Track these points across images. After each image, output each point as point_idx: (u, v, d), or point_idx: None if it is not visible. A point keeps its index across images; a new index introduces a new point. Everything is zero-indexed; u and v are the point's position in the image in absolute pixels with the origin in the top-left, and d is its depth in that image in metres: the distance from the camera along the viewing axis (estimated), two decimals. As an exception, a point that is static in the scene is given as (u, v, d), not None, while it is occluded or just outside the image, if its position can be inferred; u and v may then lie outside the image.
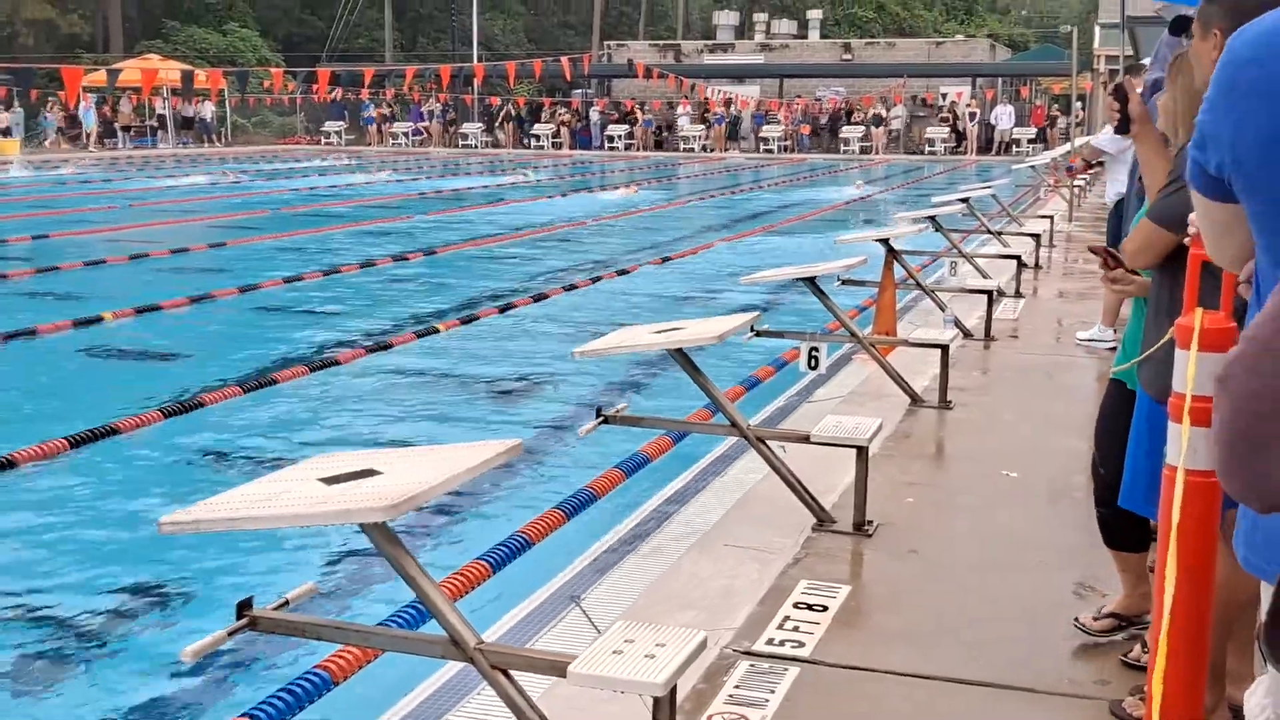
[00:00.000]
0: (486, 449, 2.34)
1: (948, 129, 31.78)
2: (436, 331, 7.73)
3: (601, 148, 33.82)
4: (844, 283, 6.96)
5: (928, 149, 31.62)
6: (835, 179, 24.67)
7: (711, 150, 33.11)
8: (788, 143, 33.12)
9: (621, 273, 10.56)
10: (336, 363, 6.79)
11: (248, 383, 6.19)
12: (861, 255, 5.85)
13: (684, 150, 32.99)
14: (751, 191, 21.31)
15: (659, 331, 3.80)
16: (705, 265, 11.34)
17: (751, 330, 5.15)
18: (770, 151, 32.17)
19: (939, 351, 5.34)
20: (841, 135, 32.57)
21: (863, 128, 32.39)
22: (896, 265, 6.50)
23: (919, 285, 7.07)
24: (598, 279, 10.13)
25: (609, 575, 3.45)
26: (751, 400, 5.79)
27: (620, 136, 33.49)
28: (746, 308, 8.58)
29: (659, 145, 34.33)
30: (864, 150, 32.13)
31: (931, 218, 8.23)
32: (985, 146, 32.05)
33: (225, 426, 5.62)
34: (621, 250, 12.53)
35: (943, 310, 6.62)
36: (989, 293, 7.01)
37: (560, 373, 6.82)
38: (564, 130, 34.36)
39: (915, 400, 5.31)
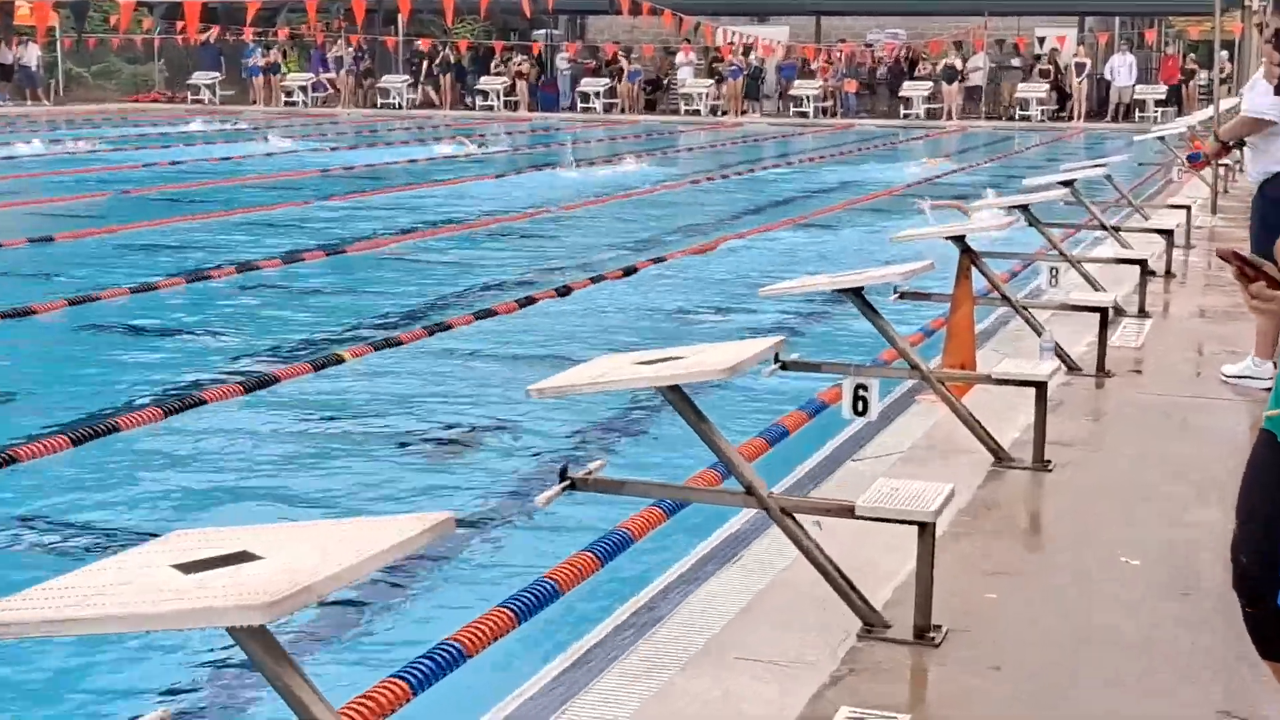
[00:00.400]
0: (406, 525, 2.34)
1: (1046, 86, 32.16)
2: (341, 361, 7.76)
3: (572, 109, 34.08)
4: (903, 296, 7.01)
5: (1019, 113, 31.98)
6: (892, 153, 24.80)
7: (723, 114, 33.42)
8: (828, 104, 33.44)
9: (597, 280, 10.64)
10: (202, 403, 6.80)
11: (78, 430, 6.17)
12: (927, 258, 5.90)
13: (685, 113, 33.25)
14: (777, 170, 21.48)
15: (648, 362, 3.82)
16: (713, 270, 11.42)
17: (775, 361, 5.18)
18: (804, 115, 32.48)
19: (1033, 391, 5.38)
20: (901, 94, 32.93)
21: (930, 84, 32.75)
22: (975, 272, 6.56)
23: (1006, 299, 7.12)
24: (565, 290, 10.20)
25: (576, 700, 3.44)
26: (776, 458, 5.83)
27: (598, 94, 33.79)
28: (768, 330, 8.62)
29: (650, 106, 34.63)
30: (931, 114, 32.45)
31: (1024, 207, 8.30)
32: (1098, 110, 32.43)
33: (46, 489, 5.60)
34: (598, 249, 12.63)
35: (1039, 334, 6.65)
36: (1103, 310, 7.06)
37: (513, 418, 6.85)
38: (521, 85, 34.64)
39: (1000, 458, 5.34)
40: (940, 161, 21.85)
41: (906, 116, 32.32)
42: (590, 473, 3.85)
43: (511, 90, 34.64)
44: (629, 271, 11.07)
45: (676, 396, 3.71)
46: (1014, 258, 9.78)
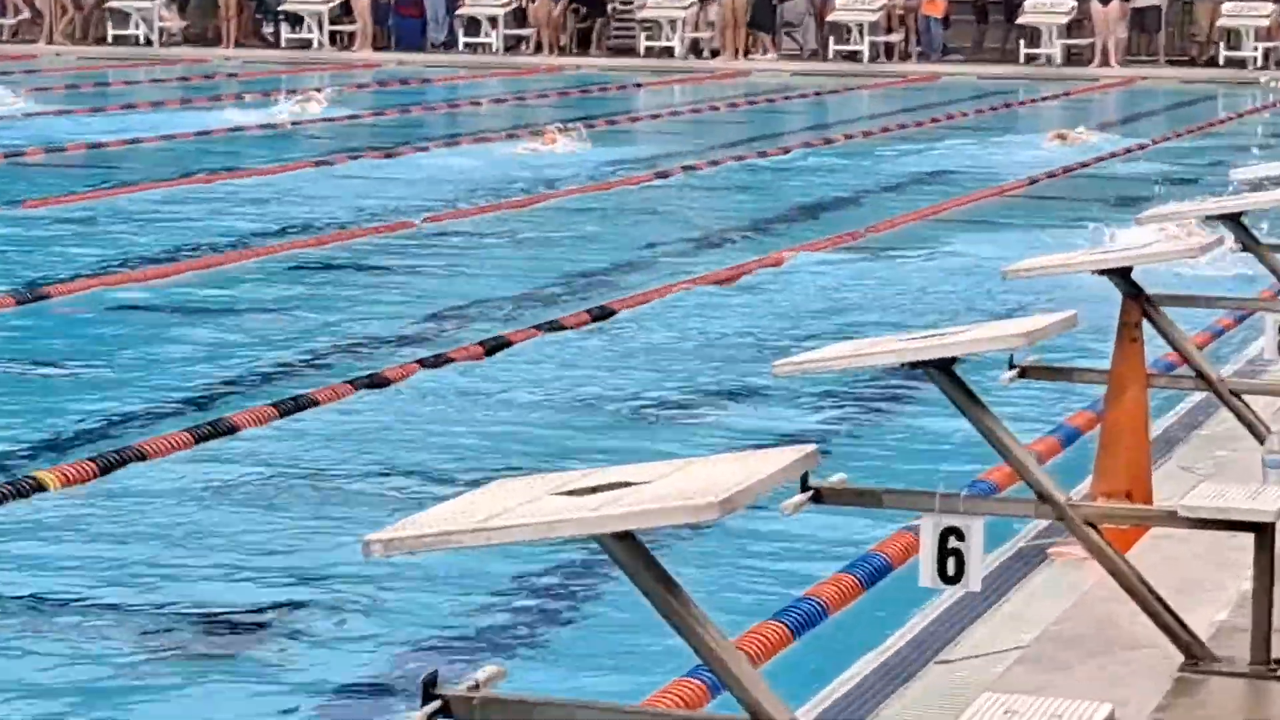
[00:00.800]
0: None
1: (1273, 9, 32.38)
2: (39, 489, 7.69)
3: (450, 45, 34.18)
4: (1024, 373, 7.00)
5: (1226, 54, 32.21)
6: (1009, 121, 24.90)
7: (713, 55, 33.63)
8: (894, 39, 33.68)
9: (492, 346, 10.64)
10: None
11: None
12: (1065, 306, 5.93)
13: (648, 53, 33.47)
14: (806, 153, 21.54)
15: (580, 490, 3.81)
16: (692, 327, 11.46)
17: (804, 488, 5.17)
18: (853, 59, 32.80)
19: (1251, 539, 5.38)
20: (1020, 21, 33.16)
21: (1071, 3, 33.04)
22: (1151, 328, 6.60)
23: (1203, 379, 7.14)
24: (436, 362, 10.20)
25: None
26: (808, 655, 5.81)
27: (495, 21, 33.86)
28: (789, 433, 8.63)
29: (586, 42, 34.75)
30: (1074, 56, 32.79)
31: (1234, 218, 8.31)
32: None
33: None
34: (494, 291, 12.66)
35: (1260, 439, 6.69)
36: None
37: (339, 589, 6.81)
38: (361, 5, 34.72)
39: (1194, 656, 5.31)
40: (1089, 137, 21.98)
41: (1031, 61, 32.56)
42: (479, 687, 3.82)
43: (344, 14, 34.79)
44: (548, 329, 11.11)
45: (628, 552, 3.71)
46: (1218, 305, 9.78)
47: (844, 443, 8.81)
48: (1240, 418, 7.03)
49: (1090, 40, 32.76)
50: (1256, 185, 9.58)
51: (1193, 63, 32.67)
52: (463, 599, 6.75)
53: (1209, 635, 5.49)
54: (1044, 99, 28.10)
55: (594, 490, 3.84)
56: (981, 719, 3.85)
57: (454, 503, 4.02)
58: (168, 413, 9.27)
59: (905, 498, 5.47)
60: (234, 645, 6.49)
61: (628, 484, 3.86)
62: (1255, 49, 31.73)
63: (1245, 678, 5.30)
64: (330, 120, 23.66)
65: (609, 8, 35.01)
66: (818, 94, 29.11)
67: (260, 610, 6.71)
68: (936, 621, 5.86)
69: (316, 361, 10.47)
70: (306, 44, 34.02)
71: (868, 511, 5.84)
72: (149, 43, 34.28)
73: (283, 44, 34.25)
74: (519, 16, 34.20)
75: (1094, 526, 5.44)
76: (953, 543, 4.81)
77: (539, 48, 33.96)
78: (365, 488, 8.08)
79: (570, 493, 3.85)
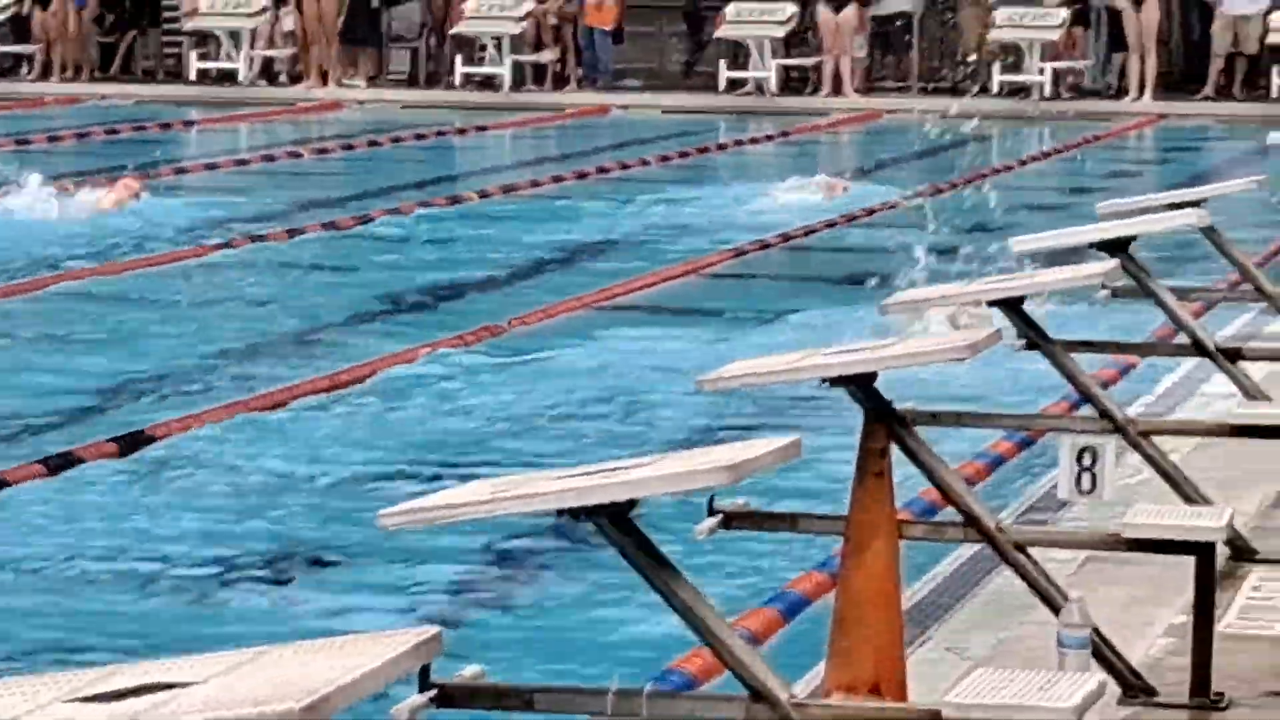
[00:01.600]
0: None
1: (1064, 16, 32.84)
2: None
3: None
4: (728, 522, 7.03)
5: (998, 76, 32.96)
6: (706, 170, 25.38)
7: (294, 80, 33.65)
8: (545, 59, 33.88)
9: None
10: None
11: None
12: (789, 427, 5.99)
13: (204, 80, 33.64)
14: (417, 217, 21.81)
15: (104, 695, 3.76)
16: (261, 458, 11.51)
17: (423, 684, 5.13)
18: (488, 86, 33.28)
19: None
20: (721, 34, 33.50)
21: (792, 10, 33.39)
22: (904, 456, 6.68)
23: (974, 525, 7.21)
24: None
25: None
26: None
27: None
28: (402, 612, 8.67)
29: (119, 64, 34.54)
30: (795, 83, 33.54)
31: (1014, 304, 8.45)
32: (1183, 73, 33.74)
33: None
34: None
35: (1053, 607, 6.84)
36: (1202, 548, 7.24)
37: None
38: None
39: None
40: (838, 188, 22.38)
41: (735, 88, 33.15)
42: None
43: None
44: (57, 465, 10.98)
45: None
46: (994, 425, 9.99)
47: (480, 621, 8.88)
48: (1026, 579, 7.11)
49: (817, 60, 33.30)
50: (1038, 261, 9.73)
51: (956, 91, 33.28)
52: None
53: None
54: (753, 140, 28.59)
55: (122, 695, 3.80)
56: None
57: None
58: None
59: (565, 697, 5.46)
60: None
61: (171, 685, 3.83)
62: (1041, 71, 32.36)
63: None
64: None
65: (148, 18, 34.84)
66: (439, 134, 29.30)
67: None
68: None
69: None
70: None
71: (513, 717, 5.84)
72: None
73: None
74: (18, 28, 33.94)
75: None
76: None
77: (47, 71, 33.75)
78: None
79: (90, 698, 3.81)
